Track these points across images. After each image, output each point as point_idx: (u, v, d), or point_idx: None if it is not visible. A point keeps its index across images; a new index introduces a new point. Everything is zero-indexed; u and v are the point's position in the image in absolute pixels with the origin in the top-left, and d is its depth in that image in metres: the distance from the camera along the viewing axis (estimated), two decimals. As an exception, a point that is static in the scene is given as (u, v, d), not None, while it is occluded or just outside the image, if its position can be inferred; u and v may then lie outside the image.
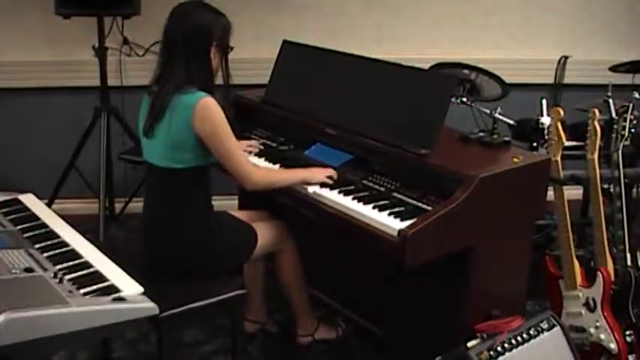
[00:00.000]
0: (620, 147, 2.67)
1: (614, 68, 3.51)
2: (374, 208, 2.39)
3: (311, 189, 2.56)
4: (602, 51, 4.33)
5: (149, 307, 1.89)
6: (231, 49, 2.49)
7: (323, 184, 2.57)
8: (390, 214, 2.34)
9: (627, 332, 2.60)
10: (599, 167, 2.69)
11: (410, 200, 2.43)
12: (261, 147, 2.94)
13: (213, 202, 2.54)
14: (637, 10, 4.41)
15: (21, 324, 1.66)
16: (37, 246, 2.11)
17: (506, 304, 2.57)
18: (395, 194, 2.48)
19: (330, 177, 2.59)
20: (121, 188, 4.13)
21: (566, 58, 4.26)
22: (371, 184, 2.57)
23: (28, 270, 1.92)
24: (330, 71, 2.94)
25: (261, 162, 2.83)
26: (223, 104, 2.39)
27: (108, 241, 3.66)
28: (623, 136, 2.68)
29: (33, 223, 2.29)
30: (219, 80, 2.49)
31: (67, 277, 1.92)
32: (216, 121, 2.34)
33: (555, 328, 2.42)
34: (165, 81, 2.37)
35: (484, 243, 2.42)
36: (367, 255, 2.88)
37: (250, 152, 2.88)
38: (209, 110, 2.33)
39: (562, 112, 2.65)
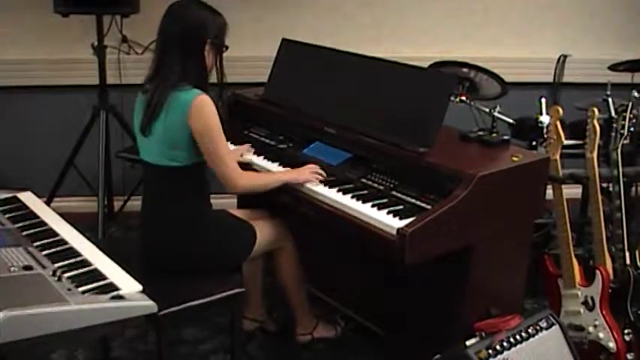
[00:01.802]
0: (619, 146, 2.67)
1: (614, 67, 3.51)
2: (373, 206, 2.39)
3: (307, 184, 2.57)
4: (601, 50, 4.33)
5: (148, 305, 1.89)
6: (226, 48, 2.49)
7: (321, 182, 2.57)
8: (389, 213, 2.34)
9: (626, 331, 2.60)
10: (599, 166, 2.69)
11: (409, 199, 2.43)
12: (252, 149, 2.90)
13: (212, 201, 2.54)
14: (636, 9, 4.41)
15: (20, 322, 1.66)
16: (35, 244, 2.11)
17: (505, 302, 2.57)
18: (394, 193, 2.48)
19: (316, 173, 2.59)
20: (119, 186, 4.13)
21: (566, 56, 4.26)
22: (370, 183, 2.57)
23: (27, 268, 1.92)
24: (329, 70, 2.94)
25: (260, 160, 2.83)
26: (217, 103, 2.39)
27: (107, 239, 3.66)
28: (622, 134, 2.68)
29: (32, 221, 2.29)
30: (213, 79, 2.49)
31: (66, 275, 1.92)
32: (210, 120, 2.34)
33: (554, 327, 2.42)
34: (160, 79, 2.38)
35: (483, 242, 2.42)
36: (366, 253, 2.88)
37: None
38: (205, 108, 2.33)
39: (561, 111, 2.65)
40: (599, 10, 4.38)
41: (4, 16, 3.90)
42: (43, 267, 1.94)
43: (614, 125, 2.71)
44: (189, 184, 2.44)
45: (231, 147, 2.93)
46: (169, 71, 2.36)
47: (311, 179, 2.58)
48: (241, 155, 2.84)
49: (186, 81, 2.35)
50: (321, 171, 2.62)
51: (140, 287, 1.94)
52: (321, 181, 2.59)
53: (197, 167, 2.41)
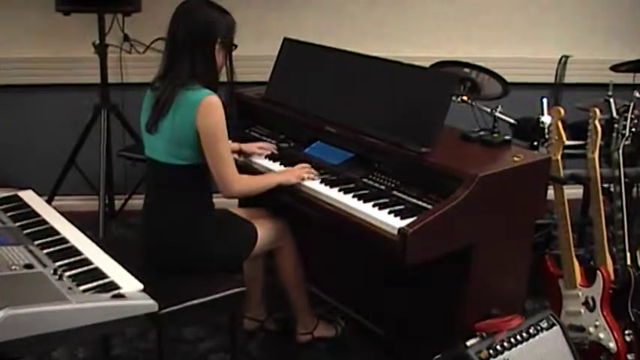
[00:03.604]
0: (621, 146, 2.67)
1: (615, 67, 3.51)
2: (374, 206, 2.39)
3: (307, 183, 2.57)
4: (603, 50, 4.33)
5: (148, 304, 1.89)
6: (235, 46, 2.49)
7: (322, 181, 2.58)
8: (390, 213, 2.34)
9: (626, 331, 2.60)
10: (600, 166, 2.69)
11: (410, 199, 2.43)
12: (275, 151, 2.89)
13: (214, 200, 2.54)
14: (638, 10, 4.41)
15: (21, 320, 1.66)
16: (36, 242, 2.11)
17: (505, 302, 2.57)
18: (395, 192, 2.48)
19: (307, 172, 2.61)
20: (120, 185, 4.13)
21: (567, 57, 4.26)
22: (371, 182, 2.57)
23: (28, 266, 1.92)
24: (331, 69, 2.94)
25: (261, 160, 2.83)
26: (227, 102, 2.39)
27: (108, 238, 3.66)
28: (623, 135, 2.68)
29: (33, 220, 2.29)
30: (223, 78, 2.50)
31: (67, 273, 1.92)
32: (217, 122, 2.34)
33: (555, 327, 2.42)
34: (170, 78, 2.38)
35: (484, 242, 2.42)
36: (367, 253, 2.88)
37: (261, 154, 2.87)
38: (213, 108, 2.33)
39: (563, 111, 2.64)
40: (600, 11, 4.38)
41: (5, 15, 3.91)
42: (44, 265, 1.94)
43: (616, 126, 2.72)
44: (192, 183, 2.44)
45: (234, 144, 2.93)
46: (180, 70, 2.36)
47: (304, 177, 2.60)
48: (241, 152, 2.84)
49: (197, 80, 2.36)
50: (313, 170, 2.63)
51: (141, 286, 1.93)
52: (322, 181, 2.59)
53: (202, 166, 2.41)
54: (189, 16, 2.39)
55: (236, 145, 2.85)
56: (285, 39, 3.18)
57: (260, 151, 2.88)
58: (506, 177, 2.44)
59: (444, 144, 2.51)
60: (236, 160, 2.80)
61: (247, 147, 2.87)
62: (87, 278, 1.92)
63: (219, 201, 2.54)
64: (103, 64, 3.81)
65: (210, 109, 2.33)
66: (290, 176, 2.61)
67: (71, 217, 2.35)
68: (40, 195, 2.52)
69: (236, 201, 3.24)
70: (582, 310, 2.66)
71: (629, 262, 2.64)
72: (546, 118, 3.16)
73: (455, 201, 2.26)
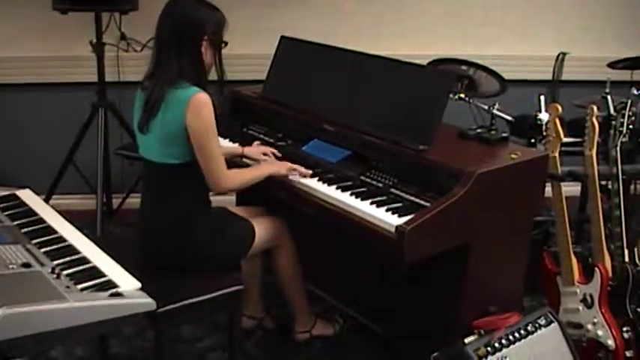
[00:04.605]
0: (618, 143, 2.67)
1: (613, 65, 3.51)
2: (372, 204, 2.39)
3: (296, 179, 2.58)
4: (600, 47, 4.32)
5: (146, 302, 1.89)
6: (225, 44, 2.48)
7: (320, 179, 2.57)
8: (387, 210, 2.34)
9: (624, 328, 2.60)
10: (597, 163, 2.69)
11: (408, 196, 2.43)
12: (277, 153, 2.83)
13: (212, 198, 2.53)
14: (635, 7, 4.41)
15: (18, 319, 1.66)
16: (34, 241, 2.11)
17: (503, 300, 2.57)
18: (393, 190, 2.48)
19: (293, 169, 2.62)
20: (118, 184, 4.13)
21: (565, 54, 4.26)
22: (369, 180, 2.57)
23: (26, 265, 1.92)
24: (329, 67, 2.94)
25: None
26: (217, 100, 2.39)
27: (105, 237, 3.66)
28: (621, 132, 2.68)
29: (30, 219, 2.29)
30: (213, 76, 2.49)
31: (65, 272, 1.92)
32: (206, 119, 2.33)
33: (553, 325, 2.43)
34: (158, 76, 2.37)
35: (482, 239, 2.42)
36: (365, 251, 2.88)
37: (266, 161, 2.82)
38: (202, 106, 2.32)
39: (560, 109, 2.65)
40: (597, 8, 4.38)
41: (2, 14, 3.90)
42: (42, 264, 1.94)
43: (613, 123, 2.71)
44: (187, 181, 2.44)
45: (226, 143, 2.92)
46: (167, 68, 2.35)
47: (294, 168, 2.60)
48: (243, 157, 2.83)
49: (184, 78, 2.35)
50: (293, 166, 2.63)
51: (139, 284, 1.94)
52: (319, 179, 2.59)
53: (195, 164, 2.40)
54: (176, 13, 2.38)
55: (239, 151, 2.85)
56: (282, 37, 3.18)
57: (264, 158, 2.80)
58: (504, 174, 2.44)
59: (442, 142, 2.51)
60: (238, 162, 2.80)
61: (250, 152, 2.84)
62: (84, 277, 1.92)
63: (216, 199, 2.54)
64: (100, 62, 3.80)
65: (199, 106, 2.32)
66: (279, 167, 2.61)
67: (69, 215, 2.35)
68: (37, 194, 2.52)
69: (233, 199, 3.24)
70: (580, 307, 2.66)
71: (627, 259, 2.64)
72: (544, 116, 3.16)
73: (453, 198, 2.26)
